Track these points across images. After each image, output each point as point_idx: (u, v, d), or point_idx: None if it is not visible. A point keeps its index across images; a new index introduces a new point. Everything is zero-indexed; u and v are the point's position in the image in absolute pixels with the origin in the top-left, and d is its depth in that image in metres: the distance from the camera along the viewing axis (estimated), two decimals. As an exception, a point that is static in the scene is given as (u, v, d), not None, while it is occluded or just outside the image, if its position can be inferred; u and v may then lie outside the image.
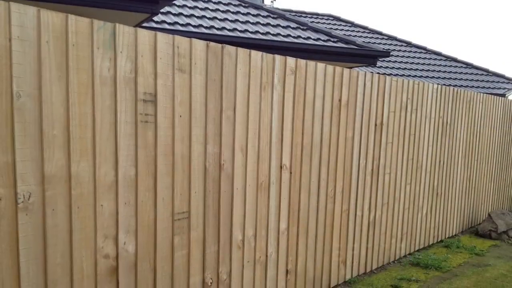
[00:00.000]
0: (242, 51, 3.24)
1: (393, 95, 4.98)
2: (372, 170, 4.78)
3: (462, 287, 4.67)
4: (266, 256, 3.65)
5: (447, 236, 6.61)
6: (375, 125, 4.74)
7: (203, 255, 3.14)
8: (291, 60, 3.66)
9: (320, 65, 3.96)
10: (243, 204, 3.38)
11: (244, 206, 3.39)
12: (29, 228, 2.24)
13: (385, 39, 16.09)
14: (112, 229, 2.58)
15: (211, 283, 3.21)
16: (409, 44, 16.32)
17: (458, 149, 6.47)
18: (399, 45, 15.92)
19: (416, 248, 5.86)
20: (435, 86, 5.74)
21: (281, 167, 3.67)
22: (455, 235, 6.84)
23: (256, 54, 3.35)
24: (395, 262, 5.43)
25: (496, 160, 7.68)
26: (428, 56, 15.72)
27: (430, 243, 6.19)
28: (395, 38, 16.35)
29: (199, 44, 2.94)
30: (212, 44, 3.03)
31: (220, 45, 3.09)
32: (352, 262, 4.69)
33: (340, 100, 4.21)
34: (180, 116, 2.85)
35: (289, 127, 3.70)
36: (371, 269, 5.02)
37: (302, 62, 3.77)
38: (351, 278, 4.71)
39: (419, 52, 15.87)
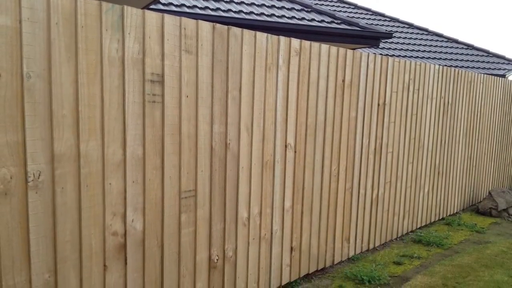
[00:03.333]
0: (247, 33, 3.26)
1: (396, 75, 5.00)
2: (375, 149, 4.83)
3: (463, 264, 4.76)
4: (271, 233, 3.72)
5: (448, 213, 6.69)
6: (378, 105, 4.77)
7: (210, 232, 3.20)
8: (295, 42, 3.68)
9: (324, 46, 3.98)
10: (248, 182, 3.44)
11: (249, 185, 3.45)
12: (39, 206, 2.27)
13: (388, 21, 16.05)
14: (120, 207, 2.62)
15: (217, 260, 3.28)
16: (411, 26, 16.27)
17: (459, 128, 6.50)
18: (402, 27, 15.89)
19: (418, 226, 5.95)
20: (437, 66, 5.75)
21: (285, 146, 3.71)
22: (456, 212, 6.92)
23: (261, 36, 3.37)
24: (398, 239, 5.51)
25: (496, 140, 7.73)
26: (429, 37, 15.69)
27: (432, 220, 6.27)
28: (397, 20, 16.30)
29: (205, 25, 2.96)
30: (218, 25, 3.04)
31: (226, 26, 3.11)
32: (356, 239, 4.77)
33: (343, 81, 4.24)
34: (187, 97, 2.89)
35: (294, 107, 3.73)
36: (374, 246, 5.11)
37: (306, 43, 3.79)
38: (355, 255, 4.80)
39: (421, 34, 15.84)
